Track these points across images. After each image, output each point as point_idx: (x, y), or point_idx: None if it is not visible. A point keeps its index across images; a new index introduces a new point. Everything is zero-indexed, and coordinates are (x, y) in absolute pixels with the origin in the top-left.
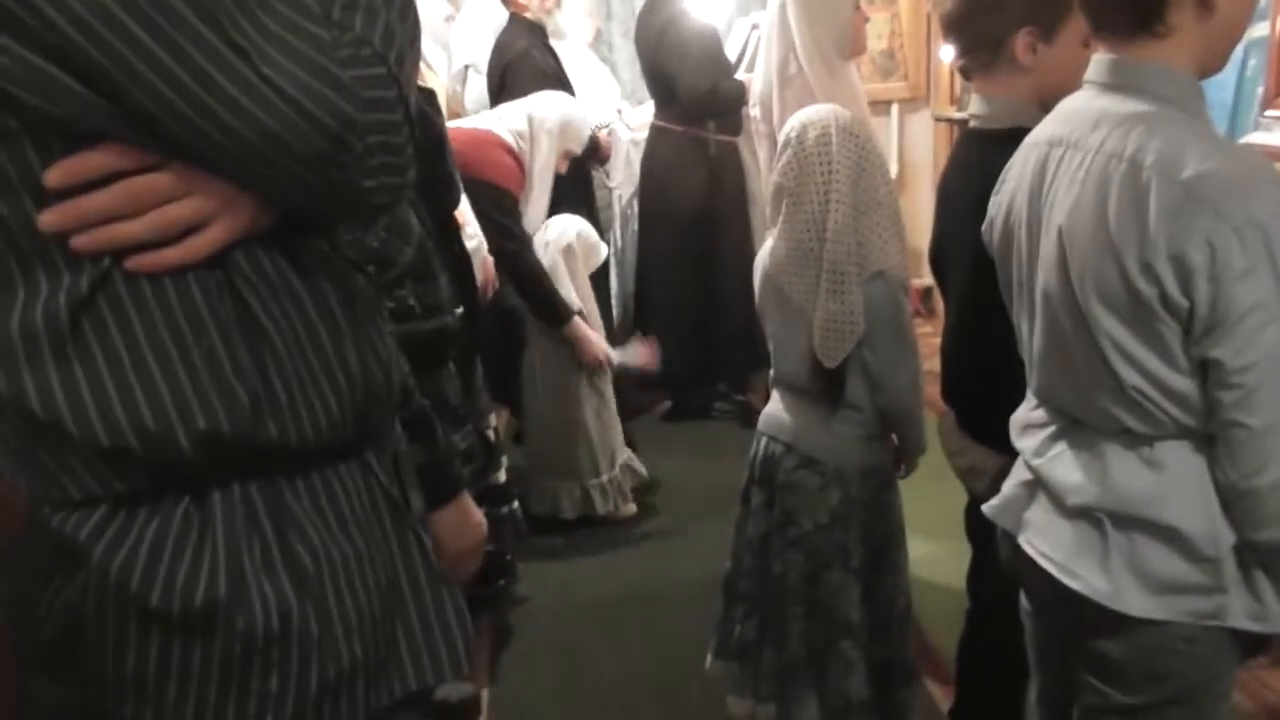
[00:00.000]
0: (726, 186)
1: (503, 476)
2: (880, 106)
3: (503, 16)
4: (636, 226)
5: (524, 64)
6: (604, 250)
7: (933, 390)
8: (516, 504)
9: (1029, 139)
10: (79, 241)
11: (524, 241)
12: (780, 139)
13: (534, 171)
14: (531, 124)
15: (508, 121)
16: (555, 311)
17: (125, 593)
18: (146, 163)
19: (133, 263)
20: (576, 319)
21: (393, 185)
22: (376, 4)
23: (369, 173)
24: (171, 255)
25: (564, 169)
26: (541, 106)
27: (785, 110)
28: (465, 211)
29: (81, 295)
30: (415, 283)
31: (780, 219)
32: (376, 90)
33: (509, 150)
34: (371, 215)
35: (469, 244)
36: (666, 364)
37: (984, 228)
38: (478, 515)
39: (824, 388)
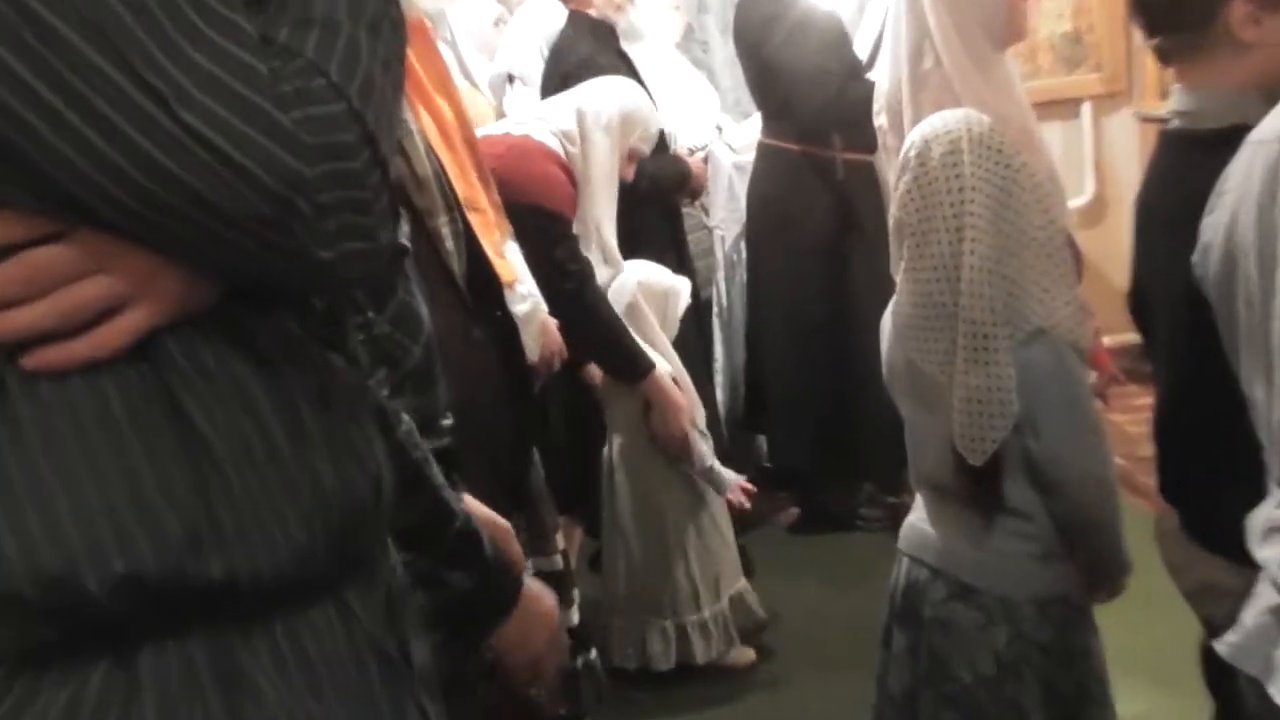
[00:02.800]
0: (861, 220)
1: (575, 617)
2: (1066, 107)
3: (561, 17)
4: (746, 277)
5: (586, 75)
6: (684, 294)
7: (1150, 481)
8: (595, 653)
9: (1254, 136)
10: None
11: (584, 277)
12: (899, 159)
13: (591, 181)
14: (583, 121)
15: (550, 121)
16: (631, 363)
17: None
18: (46, 233)
19: (31, 360)
20: (658, 373)
21: (360, 252)
22: (338, 17)
23: (325, 240)
24: (79, 348)
25: (630, 175)
26: (594, 97)
27: (919, 116)
28: (517, 264)
29: None
30: (415, 394)
31: (903, 265)
32: (332, 134)
33: (554, 160)
34: (335, 291)
35: (520, 307)
36: (792, 457)
37: (1196, 258)
38: (543, 604)
39: (974, 490)
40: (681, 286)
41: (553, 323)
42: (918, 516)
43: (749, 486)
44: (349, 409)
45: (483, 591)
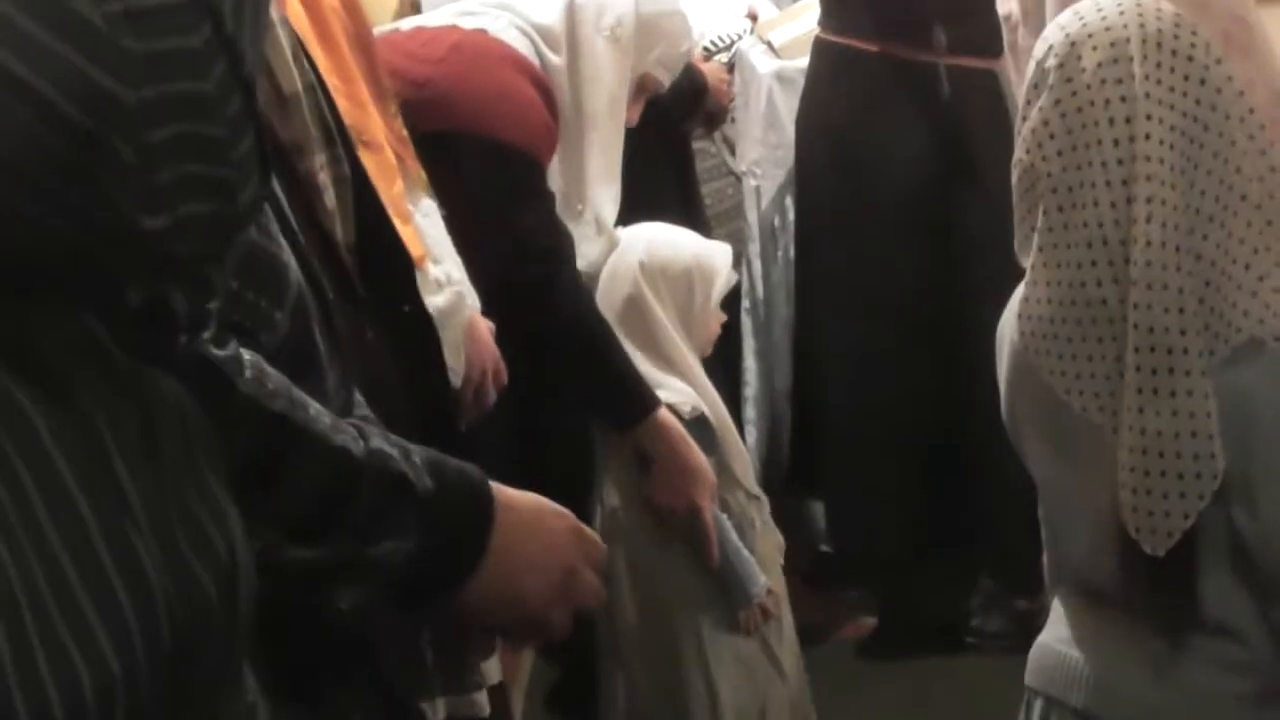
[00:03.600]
0: (976, 162)
1: None
2: None
3: None
4: (794, 252)
5: None
6: (722, 271)
7: None
8: None
9: None
10: None
11: (559, 259)
12: (1030, 67)
13: (585, 113)
14: (575, 17)
15: (520, 12)
16: (620, 397)
17: None
18: None
19: None
20: (663, 416)
21: (208, 220)
22: None
23: (155, 200)
24: None
25: (635, 117)
26: None
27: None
28: (431, 232)
29: None
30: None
31: (1036, 238)
32: (169, 36)
33: (524, 70)
34: (166, 278)
35: (435, 299)
36: (866, 536)
37: None
38: (524, 532)
39: (1152, 594)
40: (718, 256)
41: (485, 326)
42: (1057, 635)
43: (768, 604)
44: (184, 458)
45: (431, 550)
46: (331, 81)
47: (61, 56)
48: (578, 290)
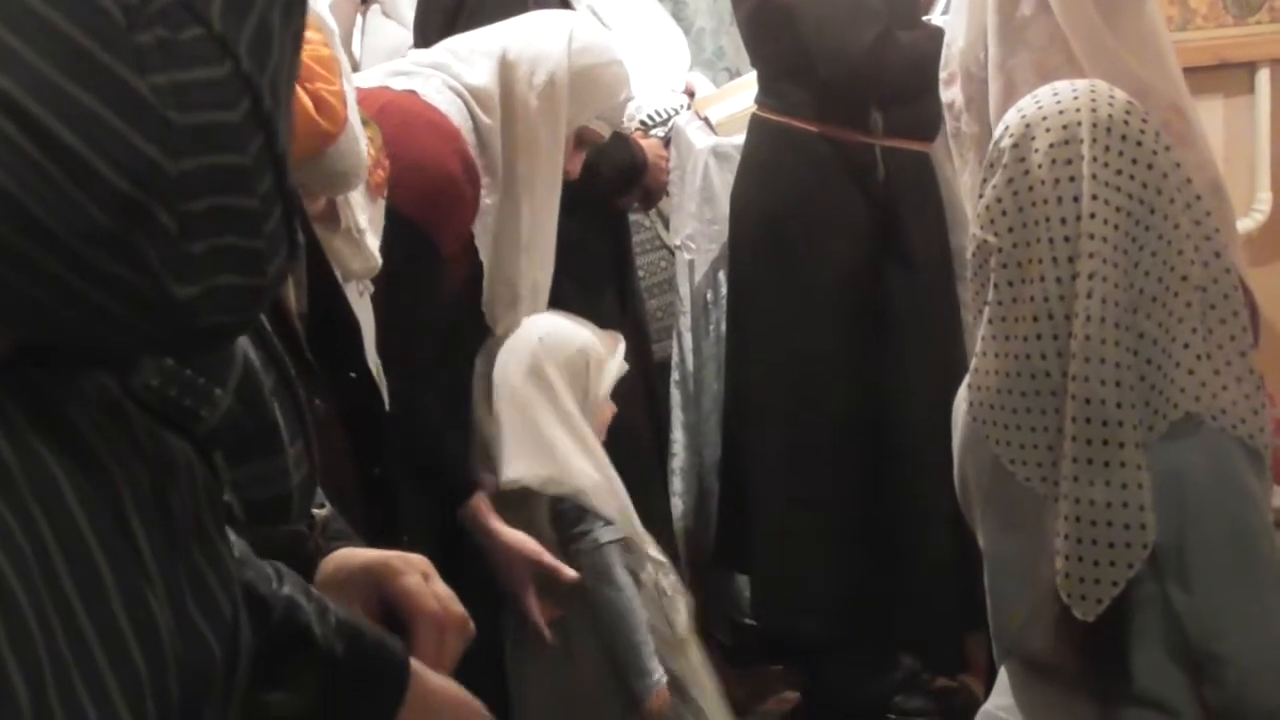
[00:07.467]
0: (910, 242)
1: None
2: (1232, 74)
3: None
4: (726, 326)
5: (492, 6)
6: (610, 361)
7: None
8: None
9: None
10: None
11: (433, 333)
12: (983, 151)
13: (519, 176)
14: (509, 75)
15: (454, 73)
16: (447, 483)
17: None
18: None
19: None
20: (478, 503)
21: (236, 292)
22: None
23: (189, 270)
24: None
25: (575, 170)
26: (529, 39)
27: (1012, 90)
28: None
29: None
30: (233, 467)
31: (985, 313)
32: (211, 110)
33: (450, 138)
34: (189, 348)
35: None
36: (789, 612)
37: None
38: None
39: (1085, 662)
40: (596, 345)
41: None
42: (999, 703)
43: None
44: (193, 519)
45: (326, 715)
46: None
47: (108, 125)
48: (434, 371)
